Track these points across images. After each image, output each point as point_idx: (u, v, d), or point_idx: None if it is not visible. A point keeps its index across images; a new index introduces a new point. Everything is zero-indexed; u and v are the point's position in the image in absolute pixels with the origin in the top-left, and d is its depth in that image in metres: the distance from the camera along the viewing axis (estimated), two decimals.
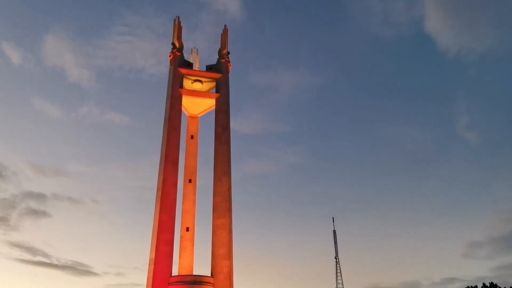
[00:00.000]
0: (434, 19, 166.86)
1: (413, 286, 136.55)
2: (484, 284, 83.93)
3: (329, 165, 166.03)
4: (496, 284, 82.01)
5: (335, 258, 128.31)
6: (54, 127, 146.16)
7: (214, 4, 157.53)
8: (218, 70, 59.40)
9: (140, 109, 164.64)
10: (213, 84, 59.29)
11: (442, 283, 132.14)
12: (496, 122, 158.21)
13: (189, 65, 59.08)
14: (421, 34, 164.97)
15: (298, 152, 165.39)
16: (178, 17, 60.43)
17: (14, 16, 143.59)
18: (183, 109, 57.89)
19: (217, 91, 58.53)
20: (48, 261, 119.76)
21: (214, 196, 51.62)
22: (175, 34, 59.37)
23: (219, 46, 61.45)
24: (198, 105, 59.27)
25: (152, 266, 46.14)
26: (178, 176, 51.80)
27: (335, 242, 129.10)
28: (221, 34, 62.41)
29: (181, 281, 46.18)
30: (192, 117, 60.56)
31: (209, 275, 47.58)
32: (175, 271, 49.18)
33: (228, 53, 60.79)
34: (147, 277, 46.60)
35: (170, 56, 58.54)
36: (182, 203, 54.98)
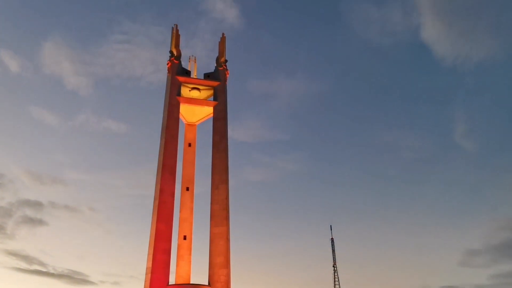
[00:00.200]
0: (431, 27, 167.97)
1: None
2: None
3: (327, 172, 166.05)
4: None
5: (333, 266, 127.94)
6: (51, 135, 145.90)
7: (212, 12, 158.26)
8: (216, 78, 59.52)
9: (137, 117, 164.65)
10: (211, 92, 59.37)
11: None
12: (493, 130, 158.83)
13: (186, 73, 59.20)
14: (418, 42, 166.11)
15: (296, 159, 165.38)
16: (176, 25, 60.67)
17: (12, 24, 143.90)
18: (180, 117, 57.89)
19: (215, 99, 58.59)
20: (44, 269, 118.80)
21: (211, 204, 51.39)
22: (173, 42, 59.52)
23: (217, 54, 61.61)
24: (195, 113, 59.25)
25: (149, 275, 45.75)
26: (176, 184, 51.68)
27: (333, 250, 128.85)
28: (219, 42, 62.61)
29: None
30: (190, 125, 60.51)
31: (207, 284, 47.22)
32: (172, 280, 48.75)
33: (226, 61, 60.96)
34: (144, 286, 46.14)
35: (167, 64, 58.63)
36: (180, 212, 54.72)
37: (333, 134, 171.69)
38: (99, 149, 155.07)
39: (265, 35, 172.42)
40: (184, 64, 59.54)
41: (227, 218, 50.64)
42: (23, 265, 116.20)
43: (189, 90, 58.65)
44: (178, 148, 54.31)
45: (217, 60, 60.96)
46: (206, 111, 58.98)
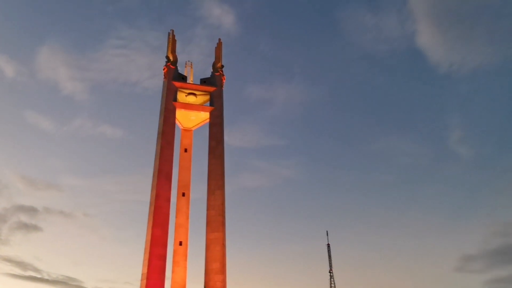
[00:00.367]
0: (426, 34, 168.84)
1: None
2: None
3: (323, 178, 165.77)
4: None
5: (329, 272, 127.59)
6: (47, 140, 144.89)
7: (208, 18, 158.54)
8: (212, 83, 59.61)
9: (133, 122, 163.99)
10: (207, 97, 59.42)
11: None
12: (488, 136, 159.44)
13: (183, 78, 59.25)
14: (413, 49, 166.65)
15: (293, 165, 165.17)
16: (173, 31, 60.80)
17: (8, 29, 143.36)
18: (176, 122, 57.85)
19: (211, 105, 58.63)
20: (38, 276, 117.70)
21: (207, 210, 51.27)
22: (169, 48, 59.63)
23: (213, 60, 61.78)
24: (192, 118, 59.24)
25: (144, 281, 45.45)
26: (172, 190, 51.51)
27: (329, 256, 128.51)
28: (215, 48, 62.78)
29: None
30: (186, 130, 60.48)
31: None
32: (167, 286, 48.54)
33: (222, 66, 61.10)
34: None
35: (164, 69, 58.65)
36: (176, 217, 54.55)
37: (329, 140, 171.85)
38: (94, 154, 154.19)
39: (261, 41, 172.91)
40: (181, 69, 59.69)
41: (223, 223, 50.51)
42: (18, 271, 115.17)
43: (185, 96, 58.67)
44: (174, 153, 54.27)
45: (214, 65, 61.12)
46: (202, 117, 59.00)
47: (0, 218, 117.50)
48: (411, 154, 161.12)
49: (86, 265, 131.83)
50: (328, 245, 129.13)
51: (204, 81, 60.00)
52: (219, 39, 63.09)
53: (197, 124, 60.28)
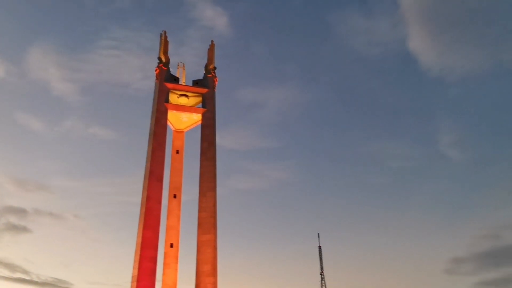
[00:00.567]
0: (417, 38, 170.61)
1: None
2: None
3: (315, 181, 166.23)
4: None
5: (321, 274, 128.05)
6: (37, 141, 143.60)
7: (201, 20, 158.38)
8: (205, 85, 59.50)
9: (125, 124, 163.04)
10: (200, 99, 59.29)
11: None
12: (478, 140, 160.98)
13: (175, 79, 59.05)
14: (405, 53, 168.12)
15: (285, 168, 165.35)
16: (165, 32, 60.61)
17: None
18: (168, 123, 57.63)
19: (203, 106, 58.51)
20: (28, 277, 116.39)
21: (199, 212, 51.08)
22: (161, 49, 59.44)
23: (205, 62, 61.65)
24: (183, 119, 59.05)
25: (135, 283, 45.14)
26: (163, 192, 51.27)
27: (321, 258, 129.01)
28: (208, 49, 62.69)
29: None
30: (178, 132, 60.28)
31: None
32: None
33: (215, 68, 61.04)
34: None
35: (156, 70, 58.44)
36: (167, 219, 54.28)
37: (321, 143, 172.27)
38: (85, 155, 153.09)
39: (254, 44, 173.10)
40: (173, 71, 59.46)
41: (214, 226, 50.37)
42: (6, 273, 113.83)
43: (177, 97, 58.48)
44: (166, 155, 53.99)
45: (206, 67, 61.00)
46: (194, 118, 58.84)
47: None
48: (403, 157, 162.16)
49: (76, 267, 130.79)
50: (320, 247, 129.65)
51: (196, 83, 59.87)
52: (212, 41, 63.10)
53: (189, 125, 60.11)
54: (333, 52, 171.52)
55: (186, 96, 58.53)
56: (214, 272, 47.88)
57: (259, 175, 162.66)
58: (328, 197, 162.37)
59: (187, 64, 62.38)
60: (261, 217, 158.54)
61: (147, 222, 47.96)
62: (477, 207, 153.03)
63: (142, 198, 50.30)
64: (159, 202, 50.00)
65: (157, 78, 58.06)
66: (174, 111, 57.42)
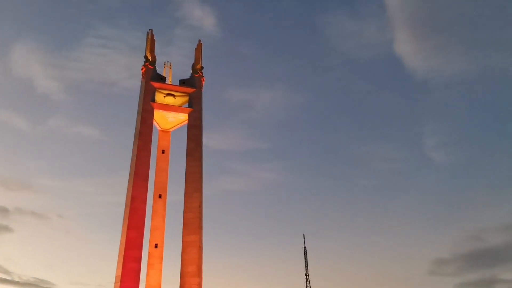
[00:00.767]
0: (403, 42, 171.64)
1: None
2: None
3: (303, 183, 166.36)
4: None
5: (305, 274, 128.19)
6: (20, 139, 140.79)
7: (189, 19, 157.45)
8: (192, 84, 59.18)
9: (110, 123, 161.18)
10: (186, 98, 58.94)
11: None
12: (462, 143, 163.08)
13: (161, 78, 58.58)
14: (392, 56, 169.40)
15: (272, 169, 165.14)
16: (151, 30, 60.17)
17: None
18: (154, 123, 57.18)
19: (190, 106, 58.20)
20: (9, 278, 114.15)
21: (185, 212, 50.77)
22: (148, 47, 58.97)
23: (193, 61, 61.34)
24: (170, 119, 58.66)
25: (118, 284, 44.69)
26: (148, 192, 50.85)
27: (306, 259, 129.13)
28: (195, 49, 62.41)
29: None
30: (164, 132, 59.85)
31: None
32: None
33: (202, 67, 60.75)
34: None
35: (142, 69, 57.94)
36: (151, 219, 53.83)
37: (309, 145, 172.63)
38: (70, 154, 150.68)
39: (242, 45, 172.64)
40: (159, 70, 59.04)
41: (200, 226, 50.14)
42: None
43: (164, 96, 58.04)
44: (151, 154, 53.56)
45: (193, 66, 60.69)
46: (181, 118, 58.50)
47: None
48: (390, 159, 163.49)
49: (59, 267, 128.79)
50: (305, 248, 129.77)
51: (183, 82, 59.49)
52: (199, 40, 62.84)
53: (176, 125, 59.73)
54: (321, 54, 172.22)
55: (173, 95, 58.13)
56: (199, 273, 47.66)
57: (246, 176, 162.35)
58: (315, 199, 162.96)
59: (174, 64, 62.07)
60: (247, 218, 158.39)
61: (132, 222, 47.51)
62: (460, 209, 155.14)
63: (127, 198, 49.85)
64: (144, 202, 49.56)
65: (143, 77, 57.58)
66: (161, 111, 56.97)
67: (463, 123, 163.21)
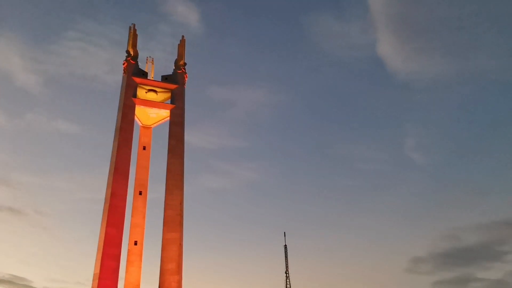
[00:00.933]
0: (386, 43, 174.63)
1: None
2: None
3: (284, 182, 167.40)
4: None
5: (286, 272, 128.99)
6: None
7: (172, 15, 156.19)
8: (174, 80, 58.62)
9: (90, 118, 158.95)
10: (168, 94, 58.37)
11: None
12: (441, 145, 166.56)
13: (143, 74, 57.84)
14: (374, 57, 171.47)
15: (254, 168, 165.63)
16: (134, 25, 59.33)
17: None
18: (135, 119, 56.47)
19: (172, 102, 57.65)
20: None
21: (165, 209, 50.31)
22: (130, 42, 58.12)
23: (175, 57, 60.77)
24: (151, 115, 58.00)
25: (96, 281, 44.08)
26: (128, 188, 50.20)
27: (286, 257, 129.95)
28: (178, 45, 61.80)
29: None
30: (145, 128, 59.18)
31: None
32: (121, 287, 47.30)
33: (185, 64, 60.23)
34: None
35: (124, 64, 57.13)
36: (131, 216, 53.23)
37: (291, 144, 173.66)
38: (48, 150, 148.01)
39: (226, 42, 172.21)
40: (141, 65, 58.27)
41: (180, 224, 49.79)
42: None
43: (146, 92, 57.35)
44: (132, 151, 52.85)
45: (176, 62, 60.13)
46: (163, 114, 57.92)
47: None
48: (370, 160, 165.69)
49: (36, 264, 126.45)
50: (285, 246, 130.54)
51: (165, 78, 58.85)
52: (182, 36, 62.25)
53: (157, 121, 59.12)
54: (305, 54, 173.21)
55: (155, 91, 57.46)
56: (179, 271, 47.35)
57: (228, 174, 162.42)
58: (296, 197, 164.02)
59: (157, 60, 61.37)
60: (228, 216, 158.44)
61: (111, 219, 46.86)
62: (438, 209, 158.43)
63: (106, 194, 49.16)
64: (124, 199, 48.89)
65: (124, 72, 56.79)
66: (142, 107, 56.28)
67: (442, 125, 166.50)
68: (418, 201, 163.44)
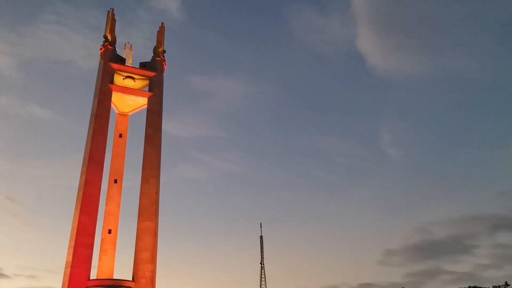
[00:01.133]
0: (365, 39, 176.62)
1: None
2: None
3: (261, 173, 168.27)
4: None
5: (261, 263, 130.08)
6: None
7: (152, 1, 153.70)
8: (153, 68, 57.69)
9: (65, 103, 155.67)
10: (146, 82, 57.41)
11: None
12: (416, 140, 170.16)
13: (121, 60, 56.63)
14: (354, 52, 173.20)
15: (231, 158, 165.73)
16: (112, 9, 58.06)
17: None
18: (112, 106, 55.34)
19: (150, 90, 56.80)
20: None
21: (141, 198, 49.83)
22: (108, 27, 56.87)
23: (154, 44, 59.76)
24: (129, 103, 56.98)
25: (69, 269, 43.54)
26: (103, 176, 49.39)
27: (262, 248, 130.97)
28: (158, 32, 60.77)
29: (99, 285, 44.21)
30: (122, 115, 58.18)
31: (130, 279, 45.74)
32: (94, 275, 46.70)
33: (164, 51, 59.32)
34: (63, 280, 43.94)
35: (101, 49, 55.88)
36: (106, 205, 52.48)
37: (269, 136, 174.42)
38: (20, 135, 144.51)
39: (206, 32, 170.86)
40: (119, 52, 57.09)
41: (156, 213, 49.42)
42: None
43: (123, 79, 56.25)
44: (108, 138, 52.02)
45: (155, 49, 59.18)
46: (140, 102, 57.02)
47: None
48: (347, 153, 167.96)
49: (6, 251, 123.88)
50: (261, 237, 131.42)
51: (144, 65, 57.82)
52: (162, 23, 61.33)
53: (134, 109, 58.18)
54: (285, 46, 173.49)
55: (132, 78, 56.41)
56: (153, 260, 47.13)
57: (204, 164, 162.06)
58: (273, 189, 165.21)
59: (135, 46, 60.30)
60: (204, 206, 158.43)
61: (84, 207, 46.14)
62: (410, 203, 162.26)
63: (80, 182, 48.33)
64: (98, 187, 48.16)
65: (101, 57, 55.58)
66: (119, 93, 55.20)
67: (418, 121, 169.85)
68: (392, 195, 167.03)
